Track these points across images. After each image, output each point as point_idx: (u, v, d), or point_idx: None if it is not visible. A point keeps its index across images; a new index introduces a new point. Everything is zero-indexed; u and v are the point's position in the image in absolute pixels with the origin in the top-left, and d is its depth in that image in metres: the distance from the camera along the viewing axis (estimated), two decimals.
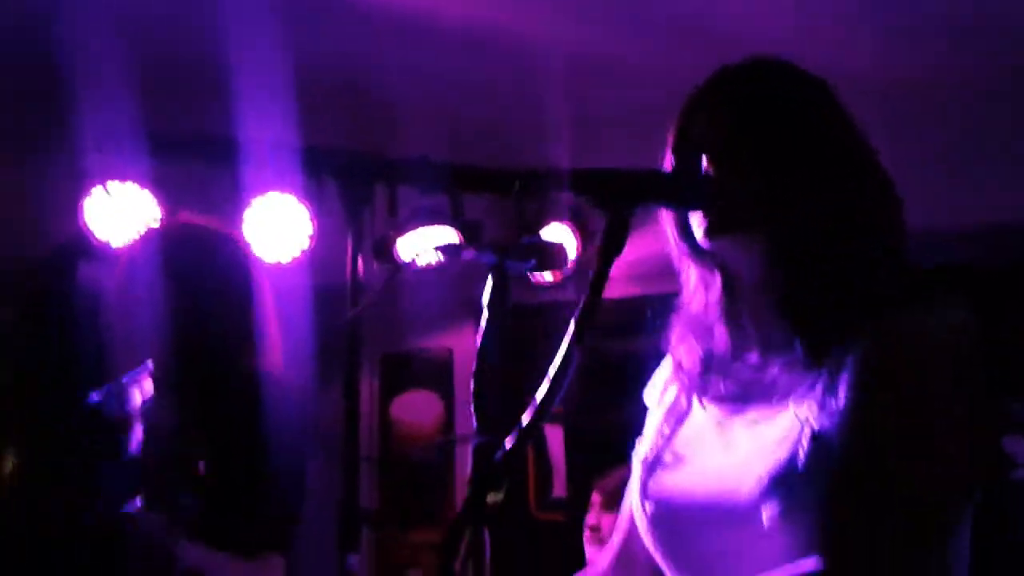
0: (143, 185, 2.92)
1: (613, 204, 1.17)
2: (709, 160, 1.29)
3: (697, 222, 1.31)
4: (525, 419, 1.11)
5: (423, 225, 3.43)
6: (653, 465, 1.38)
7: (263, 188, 3.09)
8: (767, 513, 1.19)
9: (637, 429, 1.45)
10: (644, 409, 1.48)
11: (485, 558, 1.15)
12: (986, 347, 1.20)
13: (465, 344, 4.20)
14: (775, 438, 1.23)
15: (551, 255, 1.32)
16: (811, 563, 1.15)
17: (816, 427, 1.19)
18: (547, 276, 3.63)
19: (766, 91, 1.32)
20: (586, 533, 3.27)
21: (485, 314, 1.25)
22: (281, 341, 2.27)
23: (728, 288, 1.36)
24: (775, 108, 1.30)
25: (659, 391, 1.47)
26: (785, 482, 1.18)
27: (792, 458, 1.19)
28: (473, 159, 3.87)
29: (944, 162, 3.49)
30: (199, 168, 3.20)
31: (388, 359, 4.30)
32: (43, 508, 2.03)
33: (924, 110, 3.57)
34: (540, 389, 1.11)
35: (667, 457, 1.37)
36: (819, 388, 1.22)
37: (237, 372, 2.16)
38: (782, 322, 1.28)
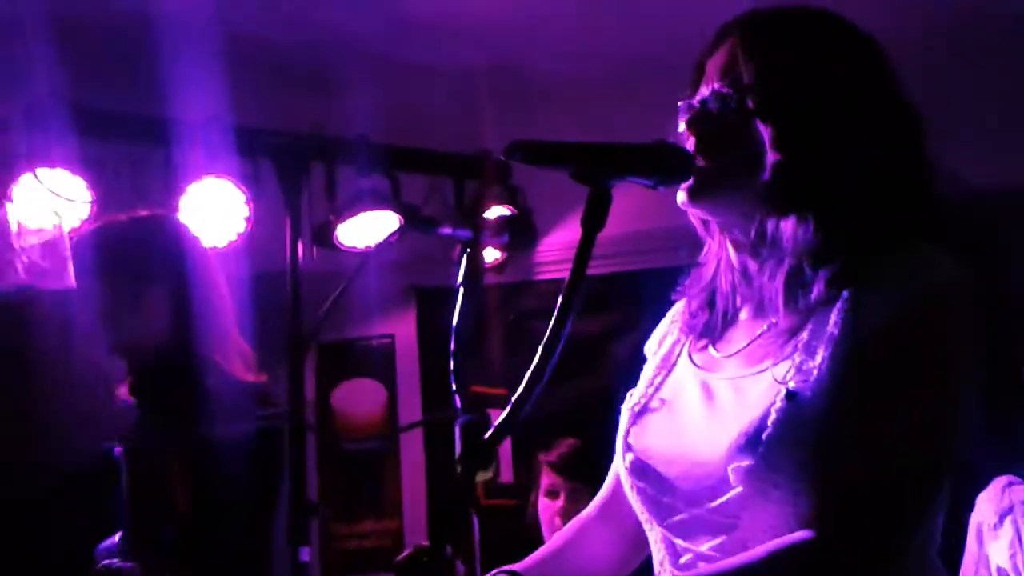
0: (75, 171, 2.79)
1: (596, 177, 1.15)
2: (692, 125, 1.28)
3: (680, 187, 1.30)
4: (514, 397, 1.09)
5: (364, 209, 3.34)
6: (638, 415, 1.37)
7: (198, 173, 2.98)
8: (735, 470, 1.18)
9: (627, 386, 1.46)
10: (642, 361, 1.48)
11: (475, 538, 1.16)
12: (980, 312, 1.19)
13: (406, 331, 4.14)
14: (753, 398, 1.22)
15: (523, 231, 1.31)
16: (801, 534, 1.13)
17: (791, 387, 1.18)
18: (490, 256, 3.59)
19: (760, 51, 1.28)
20: (542, 501, 3.13)
21: (460, 291, 1.24)
22: (245, 340, 2.18)
23: (727, 251, 1.35)
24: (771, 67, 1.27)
25: (656, 342, 1.47)
26: (755, 441, 1.17)
27: (764, 417, 1.18)
28: (407, 141, 3.82)
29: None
30: (130, 153, 3.11)
31: (326, 348, 4.22)
32: None
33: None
34: (530, 365, 1.09)
35: (653, 404, 1.37)
36: (798, 349, 1.21)
37: (215, 379, 2.06)
38: (772, 282, 1.27)
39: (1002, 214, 3.54)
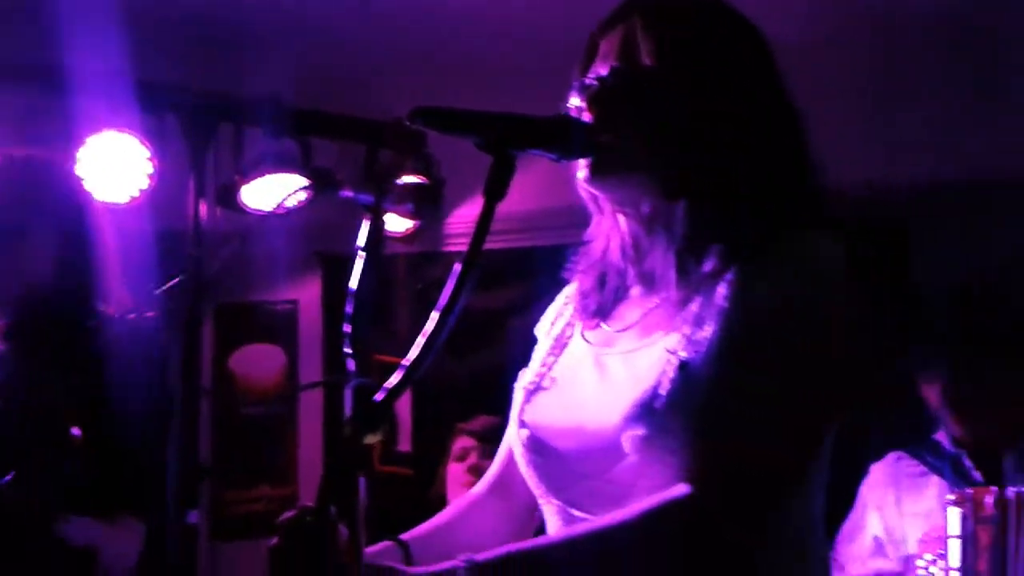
0: None
1: (500, 147, 1.16)
2: (593, 103, 1.30)
3: (581, 164, 1.32)
4: (406, 361, 1.10)
5: (270, 171, 3.29)
6: (532, 392, 1.39)
7: (98, 125, 2.90)
8: (628, 439, 1.21)
9: (523, 362, 1.47)
10: (533, 342, 1.50)
11: (360, 501, 1.14)
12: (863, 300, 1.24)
13: (311, 297, 4.10)
14: (644, 368, 1.25)
15: (428, 199, 1.31)
16: (680, 490, 1.17)
17: (682, 357, 1.22)
18: (400, 226, 3.56)
19: (659, 32, 1.30)
20: (452, 466, 3.19)
21: (360, 256, 1.23)
22: (126, 281, 2.14)
23: (620, 227, 1.38)
24: (670, 50, 1.30)
25: (548, 323, 1.49)
26: (648, 410, 1.20)
27: (656, 387, 1.21)
28: (321, 106, 3.76)
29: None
30: (27, 100, 3.01)
31: (226, 311, 4.15)
32: None
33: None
34: (425, 330, 1.10)
35: (545, 383, 1.39)
36: (688, 320, 1.25)
37: (89, 316, 2.02)
38: (664, 257, 1.31)
39: (912, 207, 3.65)
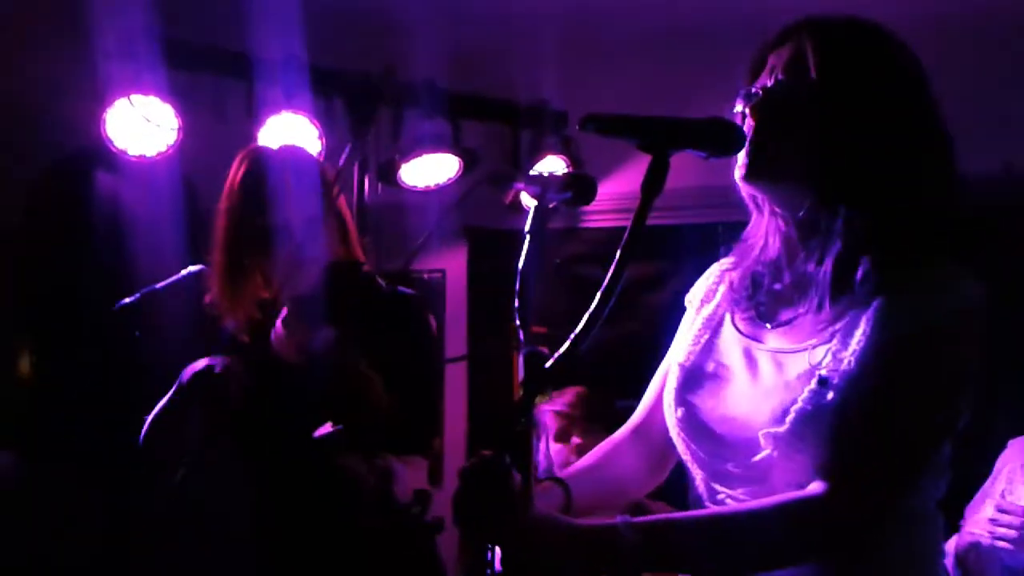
0: (164, 99, 2.98)
1: (657, 147, 1.29)
2: (756, 110, 1.40)
3: (737, 164, 1.43)
4: (574, 333, 1.22)
5: (426, 151, 3.53)
6: (691, 372, 1.50)
7: (276, 108, 3.17)
8: (768, 436, 1.34)
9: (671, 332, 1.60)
10: (683, 310, 1.62)
11: (532, 456, 1.29)
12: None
13: (457, 267, 4.29)
14: (791, 375, 1.37)
15: (586, 190, 1.42)
16: (815, 488, 1.30)
17: (824, 374, 1.33)
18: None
19: (827, 51, 1.39)
20: (553, 446, 3.03)
21: (527, 239, 1.35)
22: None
23: (779, 228, 1.47)
24: (834, 68, 1.38)
25: (699, 298, 1.60)
26: (789, 414, 1.33)
27: (799, 395, 1.34)
28: (469, 87, 3.91)
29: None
30: (214, 85, 3.29)
31: (383, 278, 4.37)
32: None
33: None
34: (588, 310, 1.22)
35: (709, 367, 1.49)
36: (835, 337, 1.36)
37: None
38: (817, 264, 1.40)
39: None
